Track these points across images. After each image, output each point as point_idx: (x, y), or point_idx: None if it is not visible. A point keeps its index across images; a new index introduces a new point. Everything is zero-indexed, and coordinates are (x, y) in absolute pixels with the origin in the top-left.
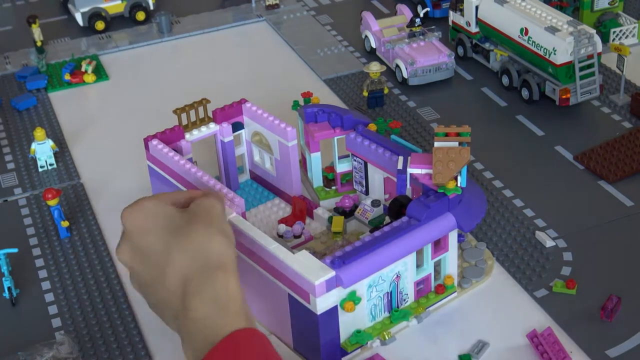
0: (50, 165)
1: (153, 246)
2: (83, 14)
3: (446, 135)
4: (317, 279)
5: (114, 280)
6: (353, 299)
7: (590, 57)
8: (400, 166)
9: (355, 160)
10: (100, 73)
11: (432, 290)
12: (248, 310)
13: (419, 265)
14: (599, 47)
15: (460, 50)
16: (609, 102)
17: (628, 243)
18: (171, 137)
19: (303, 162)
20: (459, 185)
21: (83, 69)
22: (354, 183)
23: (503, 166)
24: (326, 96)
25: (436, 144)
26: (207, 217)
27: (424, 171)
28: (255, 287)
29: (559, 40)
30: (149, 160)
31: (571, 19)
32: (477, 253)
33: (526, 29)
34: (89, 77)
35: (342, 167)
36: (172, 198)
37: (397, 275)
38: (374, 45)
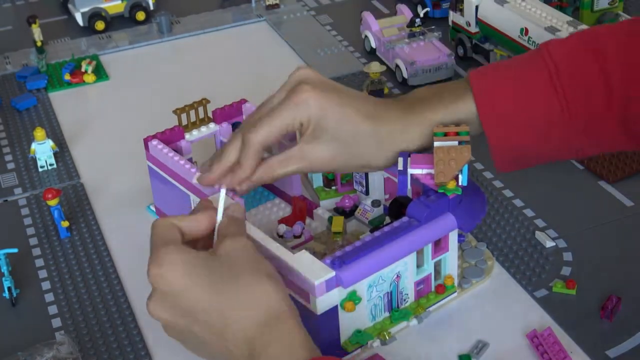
0: (50, 165)
1: (199, 304)
2: (83, 14)
3: (445, 134)
4: (317, 279)
5: (114, 280)
6: (353, 298)
7: None
8: (400, 166)
9: None
10: (100, 73)
11: (432, 290)
12: (311, 342)
13: (419, 265)
14: None
15: (460, 50)
16: None
17: (628, 243)
18: (171, 137)
19: None
20: (460, 183)
21: (83, 69)
22: (354, 183)
23: None
24: None
25: (436, 144)
26: (247, 264)
27: (425, 171)
28: None
29: None
30: (149, 161)
31: (571, 19)
32: (477, 253)
33: (526, 29)
34: (89, 77)
35: None
36: (189, 232)
37: (397, 275)
38: (374, 45)
